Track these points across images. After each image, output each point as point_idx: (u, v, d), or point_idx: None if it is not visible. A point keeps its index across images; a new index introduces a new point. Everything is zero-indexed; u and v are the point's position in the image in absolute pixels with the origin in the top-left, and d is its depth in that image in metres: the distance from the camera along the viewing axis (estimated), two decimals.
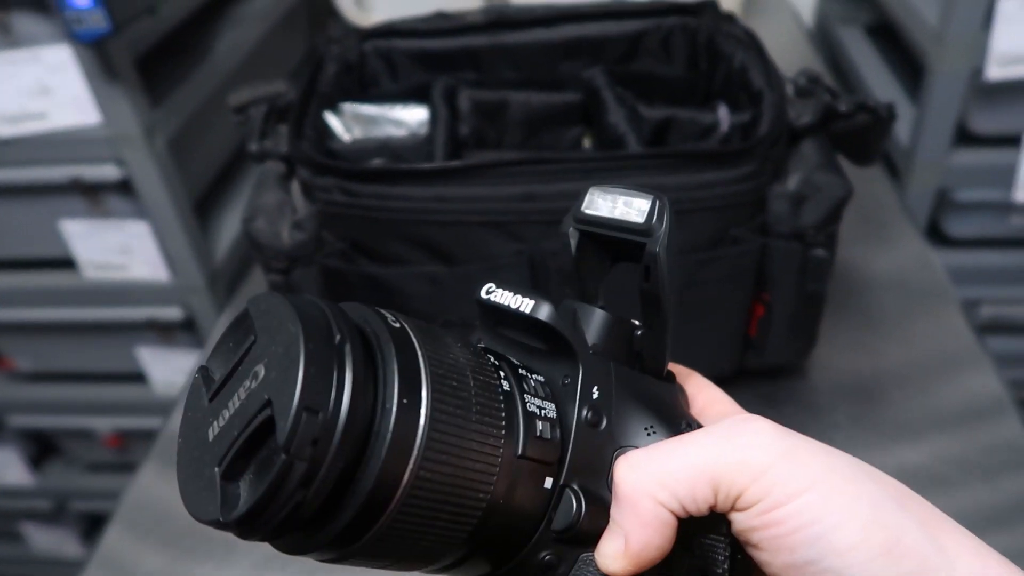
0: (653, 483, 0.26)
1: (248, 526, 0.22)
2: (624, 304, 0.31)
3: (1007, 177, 1.10)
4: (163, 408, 1.20)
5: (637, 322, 0.31)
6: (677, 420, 0.30)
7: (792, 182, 0.61)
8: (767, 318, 0.64)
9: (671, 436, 0.29)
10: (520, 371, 0.28)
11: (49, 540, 1.53)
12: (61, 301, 1.18)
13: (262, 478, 0.22)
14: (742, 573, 0.29)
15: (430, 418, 0.24)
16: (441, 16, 0.78)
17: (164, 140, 1.02)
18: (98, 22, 0.84)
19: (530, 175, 0.57)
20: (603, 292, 0.32)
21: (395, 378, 0.23)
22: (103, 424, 1.32)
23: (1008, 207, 1.14)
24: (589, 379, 0.28)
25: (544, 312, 0.28)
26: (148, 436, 1.29)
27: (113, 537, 0.70)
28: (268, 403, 0.22)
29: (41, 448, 1.45)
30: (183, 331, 1.19)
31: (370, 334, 0.25)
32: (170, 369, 1.24)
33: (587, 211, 0.30)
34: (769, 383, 0.72)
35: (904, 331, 0.79)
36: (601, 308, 0.30)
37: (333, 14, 1.38)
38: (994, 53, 0.99)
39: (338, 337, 0.23)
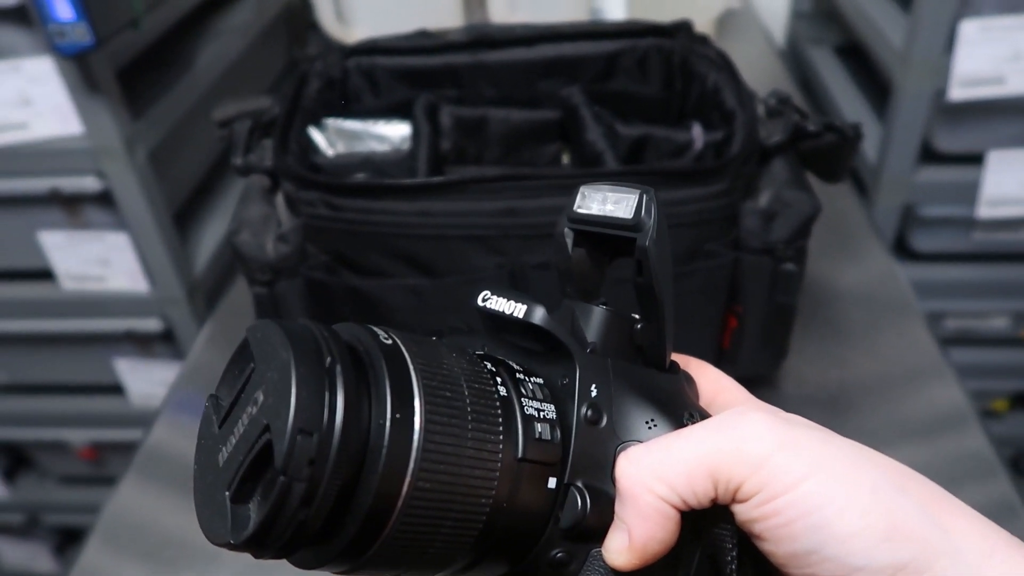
0: (652, 477, 0.27)
1: (257, 546, 0.23)
2: (631, 299, 0.31)
3: (970, 194, 1.13)
4: (140, 420, 1.19)
5: (637, 316, 0.31)
6: (680, 412, 0.29)
7: (763, 199, 0.63)
8: (740, 330, 0.65)
9: (673, 428, 0.29)
10: (518, 375, 0.28)
11: (21, 555, 1.51)
12: (38, 313, 1.17)
13: (266, 500, 0.23)
14: (754, 562, 0.29)
15: (424, 430, 0.24)
16: (423, 34, 0.79)
17: (144, 152, 1.02)
18: (81, 36, 0.84)
19: (511, 191, 0.58)
20: (604, 289, 0.32)
21: (387, 394, 0.24)
22: (78, 436, 1.31)
23: (971, 223, 1.17)
24: (586, 378, 0.28)
25: (538, 316, 0.29)
26: (124, 448, 1.28)
27: (92, 551, 0.69)
28: (267, 428, 0.23)
29: (14, 461, 1.44)
30: (162, 343, 1.19)
31: (362, 353, 0.25)
32: (148, 381, 1.24)
33: (579, 210, 0.31)
34: None
35: (871, 343, 0.80)
36: (603, 305, 0.30)
37: (313, 28, 1.39)
38: (956, 75, 1.03)
39: (328, 359, 0.24)
